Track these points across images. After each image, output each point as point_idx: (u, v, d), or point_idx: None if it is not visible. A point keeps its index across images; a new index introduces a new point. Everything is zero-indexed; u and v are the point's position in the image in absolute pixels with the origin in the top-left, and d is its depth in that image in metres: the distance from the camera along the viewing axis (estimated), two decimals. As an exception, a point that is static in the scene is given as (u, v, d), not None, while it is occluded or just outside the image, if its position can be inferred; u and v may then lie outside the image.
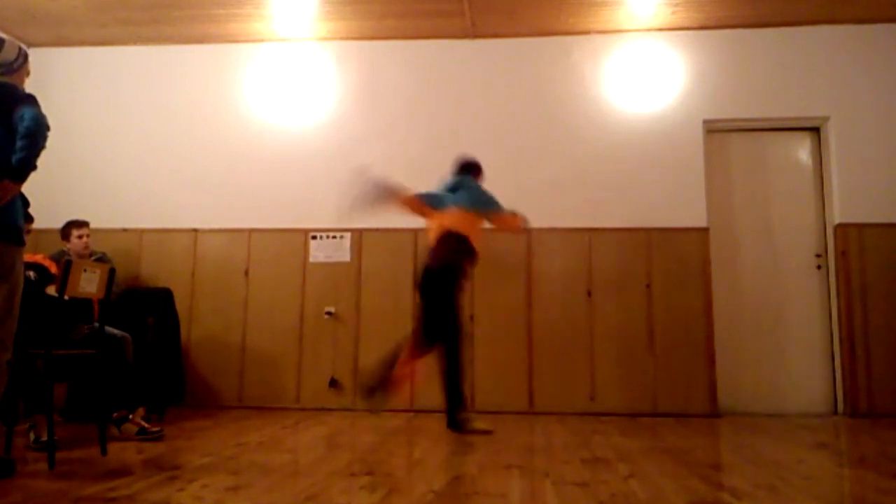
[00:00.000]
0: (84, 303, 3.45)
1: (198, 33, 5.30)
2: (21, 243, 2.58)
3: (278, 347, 5.00)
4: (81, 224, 4.19)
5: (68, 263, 2.85)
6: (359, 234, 5.04)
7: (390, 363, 3.84)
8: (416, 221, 4.44)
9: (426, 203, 4.00)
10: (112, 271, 3.13)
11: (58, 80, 5.46)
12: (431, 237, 3.92)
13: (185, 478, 2.50)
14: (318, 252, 5.07)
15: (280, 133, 5.27)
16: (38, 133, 2.48)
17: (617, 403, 4.74)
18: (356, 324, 4.96)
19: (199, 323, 5.06)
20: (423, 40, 5.27)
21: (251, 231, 5.16)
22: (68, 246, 4.15)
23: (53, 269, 3.47)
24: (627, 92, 5.10)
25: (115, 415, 3.47)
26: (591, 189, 5.00)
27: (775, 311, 4.94)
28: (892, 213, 4.82)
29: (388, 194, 3.97)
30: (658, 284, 4.85)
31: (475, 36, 5.23)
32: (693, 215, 4.91)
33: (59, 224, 4.28)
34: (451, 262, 3.81)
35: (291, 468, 2.72)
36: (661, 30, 5.13)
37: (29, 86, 2.77)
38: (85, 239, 4.16)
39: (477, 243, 3.91)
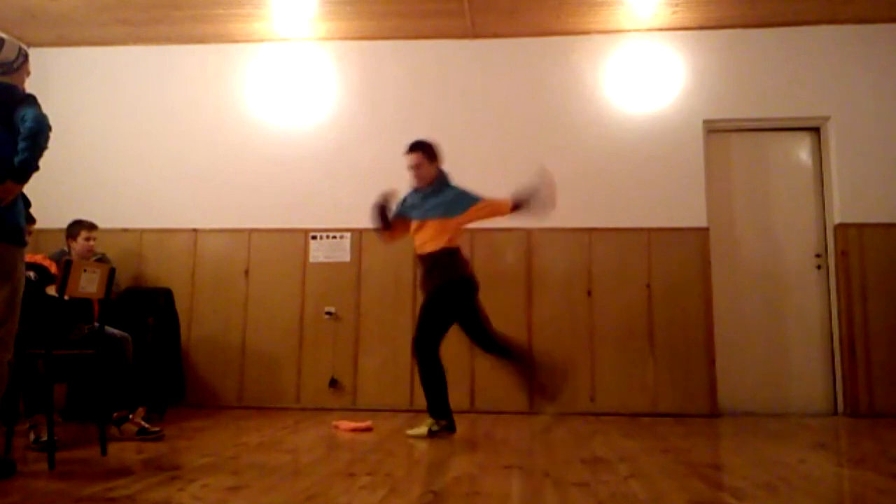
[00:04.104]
0: (84, 303, 3.45)
1: (198, 33, 5.29)
2: (22, 244, 2.58)
3: (278, 347, 5.00)
4: (91, 227, 4.11)
5: (68, 263, 2.85)
6: (359, 234, 5.04)
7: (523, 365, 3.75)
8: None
9: None
10: (112, 271, 3.13)
11: (58, 80, 5.46)
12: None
13: (185, 478, 2.50)
14: (318, 252, 5.07)
15: (280, 133, 5.27)
16: (40, 134, 2.48)
17: (617, 403, 4.74)
18: (356, 324, 4.96)
19: (199, 323, 5.06)
20: (423, 40, 5.27)
21: (251, 231, 5.16)
22: (72, 245, 4.06)
23: (53, 269, 3.47)
24: (627, 92, 5.10)
25: (115, 415, 3.47)
26: (591, 189, 5.00)
27: (775, 311, 4.94)
28: (892, 213, 4.82)
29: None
30: (658, 284, 4.85)
31: (475, 36, 5.23)
32: (693, 215, 4.91)
33: (59, 224, 4.27)
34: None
35: (291, 468, 2.72)
36: (661, 30, 5.13)
37: (29, 86, 2.77)
38: (91, 242, 4.10)
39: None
